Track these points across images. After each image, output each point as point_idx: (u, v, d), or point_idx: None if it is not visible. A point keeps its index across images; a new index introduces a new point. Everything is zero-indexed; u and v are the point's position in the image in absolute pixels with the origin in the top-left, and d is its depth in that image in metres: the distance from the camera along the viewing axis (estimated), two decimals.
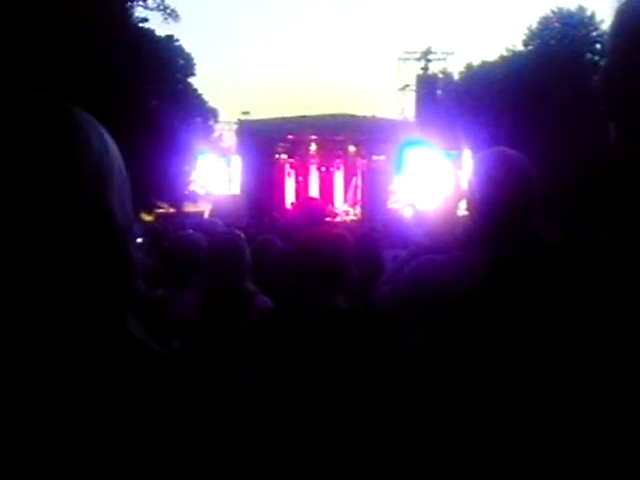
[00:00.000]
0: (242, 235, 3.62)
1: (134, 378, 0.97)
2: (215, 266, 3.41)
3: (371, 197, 23.72)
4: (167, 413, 0.98)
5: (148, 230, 8.69)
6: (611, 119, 1.08)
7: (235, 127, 29.42)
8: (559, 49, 32.42)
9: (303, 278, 2.82)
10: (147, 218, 21.76)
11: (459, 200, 2.59)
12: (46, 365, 0.93)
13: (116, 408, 0.94)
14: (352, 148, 25.17)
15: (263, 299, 3.41)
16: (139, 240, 7.24)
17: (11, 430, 0.90)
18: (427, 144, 21.93)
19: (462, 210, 2.60)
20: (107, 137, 1.02)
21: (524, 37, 35.14)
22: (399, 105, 35.29)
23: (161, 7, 26.83)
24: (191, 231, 4.83)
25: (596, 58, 33.61)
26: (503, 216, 2.33)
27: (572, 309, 1.43)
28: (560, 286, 1.93)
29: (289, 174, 25.62)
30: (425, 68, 34.92)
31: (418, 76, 34.83)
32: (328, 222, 4.62)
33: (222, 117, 37.54)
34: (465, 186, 2.56)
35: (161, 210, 25.68)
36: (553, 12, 34.85)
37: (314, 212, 4.11)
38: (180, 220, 14.30)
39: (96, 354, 0.96)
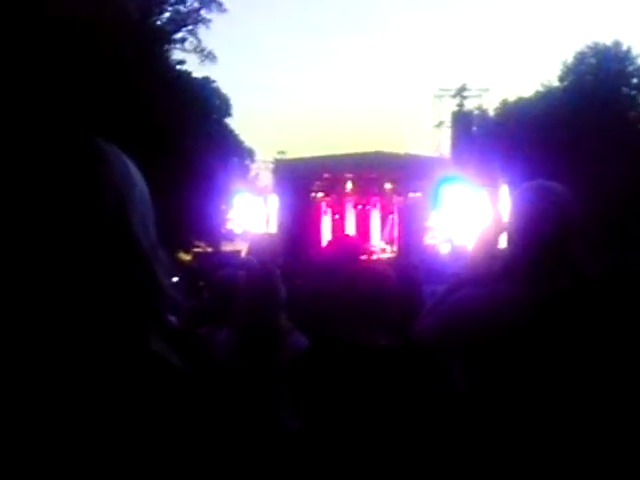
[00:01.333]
0: (277, 271, 3.61)
1: (151, 392, 0.99)
2: (251, 300, 3.40)
3: (408, 234, 23.57)
4: (180, 426, 0.99)
5: (185, 269, 8.74)
6: None
7: (271, 166, 29.59)
8: (595, 84, 32.28)
9: (346, 314, 2.81)
10: (185, 257, 21.92)
11: (498, 234, 2.57)
12: (64, 377, 0.96)
13: (130, 419, 0.96)
14: (388, 185, 25.11)
15: (298, 336, 3.39)
16: (175, 279, 7.27)
17: (28, 440, 0.92)
18: (463, 180, 21.87)
19: (501, 244, 2.58)
20: (131, 166, 1.08)
21: (559, 72, 35.12)
22: (434, 142, 35.33)
23: (198, 49, 27.29)
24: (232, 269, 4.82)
25: (633, 93, 33.40)
26: (542, 249, 2.30)
27: (616, 342, 1.38)
28: (601, 319, 1.89)
29: (325, 212, 25.61)
30: (460, 105, 34.97)
31: (453, 113, 34.89)
32: (364, 259, 4.61)
33: (258, 156, 37.91)
34: (504, 220, 2.55)
35: (199, 249, 25.86)
36: (588, 47, 34.79)
37: (349, 249, 4.10)
38: (217, 259, 14.36)
39: (114, 368, 0.98)
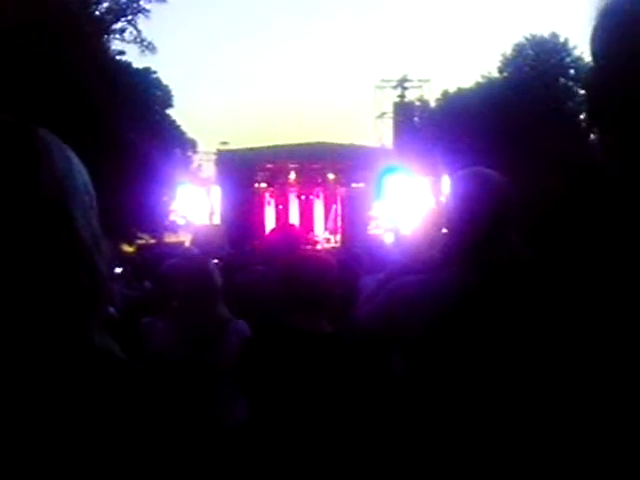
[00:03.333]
0: (212, 261, 3.62)
1: (92, 386, 0.98)
2: (186, 291, 3.39)
3: (351, 224, 23.71)
4: (123, 421, 0.99)
5: (128, 261, 8.67)
6: (603, 128, 1.05)
7: (214, 157, 29.40)
8: (533, 75, 32.81)
9: (289, 301, 2.82)
10: (128, 249, 21.67)
11: (439, 222, 2.60)
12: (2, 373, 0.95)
13: (70, 414, 0.95)
14: (331, 176, 25.22)
15: (240, 323, 3.39)
16: (118, 270, 7.22)
17: None
18: (406, 170, 22.05)
19: (442, 232, 2.61)
20: (72, 156, 1.07)
21: (499, 64, 35.63)
22: (377, 133, 35.49)
23: (138, 40, 26.97)
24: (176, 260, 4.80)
25: (570, 84, 34.04)
26: (478, 235, 2.33)
27: (543, 323, 1.42)
28: (532, 301, 1.93)
29: (269, 203, 25.61)
30: (402, 96, 35.21)
31: (395, 104, 35.09)
32: (306, 248, 4.63)
33: (201, 147, 37.60)
34: (443, 209, 2.58)
35: (141, 241, 25.58)
36: (527, 39, 35.34)
37: (291, 238, 4.10)
38: (160, 251, 14.23)
39: (54, 362, 0.97)
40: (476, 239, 2.34)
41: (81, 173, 1.07)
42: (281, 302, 2.87)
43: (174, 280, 3.91)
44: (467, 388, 2.21)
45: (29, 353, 0.96)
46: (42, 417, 0.94)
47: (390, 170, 22.78)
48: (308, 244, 20.17)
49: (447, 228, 2.51)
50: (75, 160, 1.07)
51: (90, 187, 1.09)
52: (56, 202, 1.00)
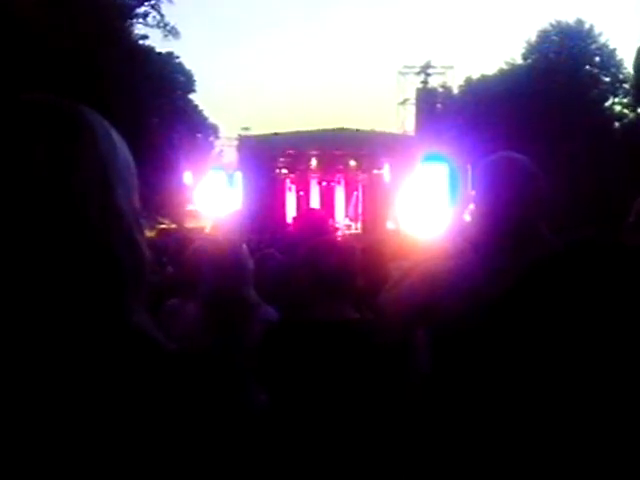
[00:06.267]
0: (244, 245, 3.59)
1: (131, 369, 0.98)
2: (217, 274, 3.37)
3: (372, 211, 23.67)
4: (162, 407, 0.98)
5: (149, 245, 8.70)
6: None
7: (236, 143, 29.44)
8: (558, 63, 32.53)
9: (311, 288, 2.80)
10: (149, 234, 21.79)
11: (464, 210, 2.58)
12: (45, 352, 0.94)
13: (110, 400, 0.95)
14: (353, 162, 25.15)
15: (268, 309, 3.37)
16: None
17: (6, 426, 0.90)
18: (427, 157, 21.96)
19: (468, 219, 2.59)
20: (115, 135, 1.07)
21: (523, 50, 35.34)
22: (399, 119, 35.43)
23: (161, 24, 26.99)
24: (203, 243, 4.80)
25: (595, 71, 33.74)
26: (509, 222, 2.30)
27: (584, 314, 1.39)
28: (569, 292, 1.89)
29: (290, 189, 25.59)
30: (425, 82, 35.12)
31: (418, 90, 35.00)
32: (330, 233, 4.60)
33: (223, 133, 37.76)
34: (470, 195, 2.55)
35: (162, 226, 25.72)
36: (552, 25, 35.03)
37: (315, 223, 4.08)
38: (180, 235, 14.27)
39: (95, 344, 0.97)
40: (505, 227, 2.30)
41: (124, 152, 1.08)
42: (303, 288, 2.85)
43: (200, 263, 3.89)
44: (500, 377, 2.18)
45: (64, 333, 0.95)
46: (72, 399, 0.93)
47: (412, 157, 22.69)
48: (330, 230, 20.12)
49: (476, 216, 2.48)
50: (118, 139, 1.07)
51: (132, 166, 1.09)
52: (99, 179, 1.00)
